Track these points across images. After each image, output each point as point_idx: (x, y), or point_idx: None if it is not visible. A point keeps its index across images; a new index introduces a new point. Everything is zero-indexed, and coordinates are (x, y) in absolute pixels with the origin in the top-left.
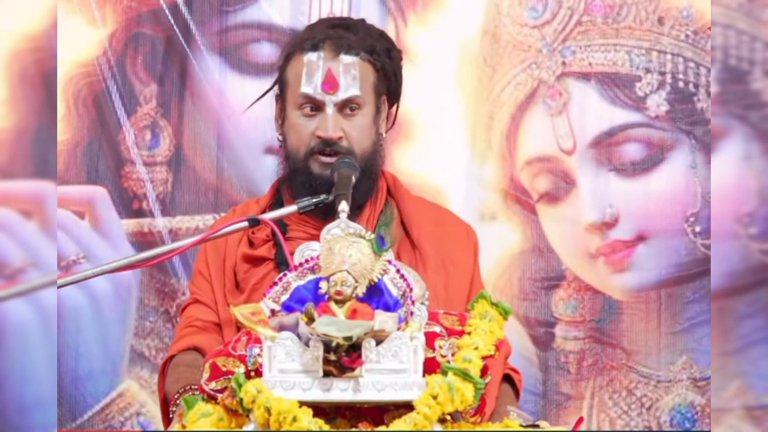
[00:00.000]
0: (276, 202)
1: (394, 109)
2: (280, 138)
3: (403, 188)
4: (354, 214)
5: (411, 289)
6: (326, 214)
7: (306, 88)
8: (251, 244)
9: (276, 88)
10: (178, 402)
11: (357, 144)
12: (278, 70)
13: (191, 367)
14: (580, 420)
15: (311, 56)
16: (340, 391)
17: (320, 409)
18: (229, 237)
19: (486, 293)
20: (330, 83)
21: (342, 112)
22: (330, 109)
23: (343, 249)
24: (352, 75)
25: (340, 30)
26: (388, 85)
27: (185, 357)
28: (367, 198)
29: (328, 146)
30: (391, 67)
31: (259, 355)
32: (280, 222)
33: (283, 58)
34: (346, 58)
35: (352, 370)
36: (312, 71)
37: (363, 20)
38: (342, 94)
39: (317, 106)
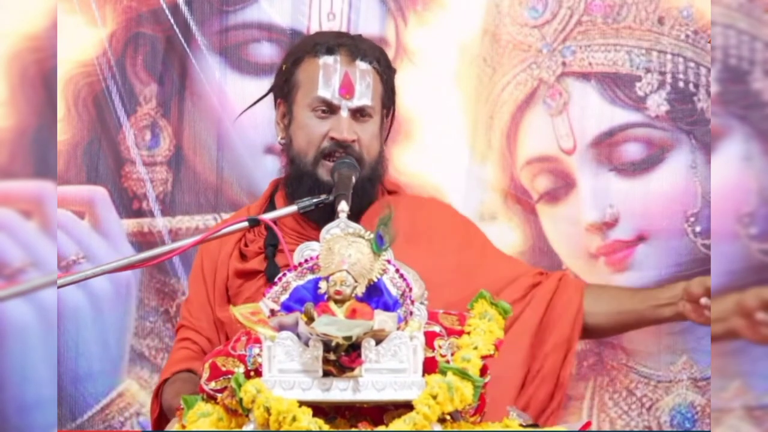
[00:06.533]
0: (269, 209)
1: (388, 123)
2: (283, 141)
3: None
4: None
5: (410, 289)
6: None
7: (323, 92)
8: (243, 257)
9: (273, 92)
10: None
11: (367, 150)
12: (283, 73)
13: (188, 383)
14: (588, 424)
15: (327, 59)
16: (340, 391)
17: (320, 409)
18: (222, 251)
19: (486, 293)
20: (347, 88)
21: (354, 116)
22: (345, 113)
23: (343, 249)
24: (366, 82)
25: (349, 39)
26: (388, 98)
27: (181, 375)
28: (368, 207)
29: (341, 148)
30: (390, 82)
31: (258, 355)
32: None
33: (291, 62)
34: (361, 65)
35: (352, 369)
36: (329, 74)
37: (361, 35)
38: (357, 101)
39: (331, 109)
